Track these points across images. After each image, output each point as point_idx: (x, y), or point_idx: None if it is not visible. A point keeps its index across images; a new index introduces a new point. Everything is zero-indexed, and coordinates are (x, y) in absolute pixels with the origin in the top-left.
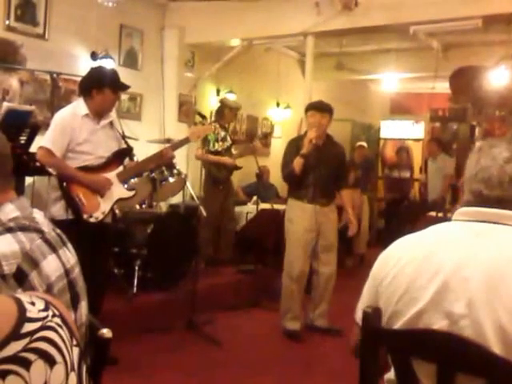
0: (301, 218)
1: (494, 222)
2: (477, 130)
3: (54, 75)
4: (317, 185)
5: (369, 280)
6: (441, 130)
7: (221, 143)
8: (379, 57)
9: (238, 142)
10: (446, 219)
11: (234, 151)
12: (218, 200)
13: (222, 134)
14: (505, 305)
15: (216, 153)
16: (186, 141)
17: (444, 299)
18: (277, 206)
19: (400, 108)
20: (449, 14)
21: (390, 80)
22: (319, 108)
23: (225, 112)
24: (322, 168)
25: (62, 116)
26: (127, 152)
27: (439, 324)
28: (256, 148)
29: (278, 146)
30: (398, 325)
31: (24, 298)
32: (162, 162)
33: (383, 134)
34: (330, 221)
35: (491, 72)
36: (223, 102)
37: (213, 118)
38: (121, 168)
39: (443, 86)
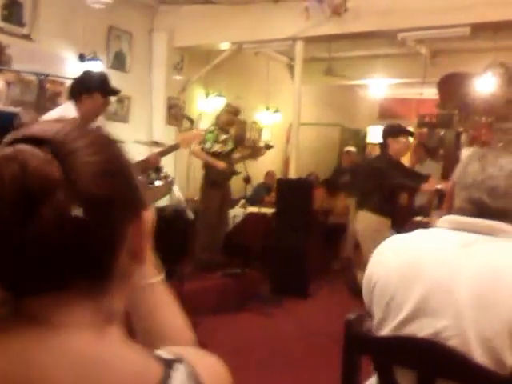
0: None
1: (483, 233)
2: (463, 137)
3: (41, 77)
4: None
5: (364, 282)
6: (428, 135)
7: (221, 145)
8: (368, 62)
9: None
10: (431, 224)
11: (234, 156)
12: (216, 202)
13: (223, 136)
14: (491, 318)
15: (214, 154)
16: (175, 147)
17: (429, 309)
18: (264, 210)
19: (388, 113)
20: (437, 22)
21: (379, 85)
22: (410, 133)
23: (221, 114)
24: None
25: (50, 118)
26: None
27: (423, 333)
28: (261, 152)
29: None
30: (385, 331)
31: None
32: (148, 168)
33: (371, 139)
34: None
35: (478, 79)
36: (226, 106)
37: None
38: None
39: (431, 92)
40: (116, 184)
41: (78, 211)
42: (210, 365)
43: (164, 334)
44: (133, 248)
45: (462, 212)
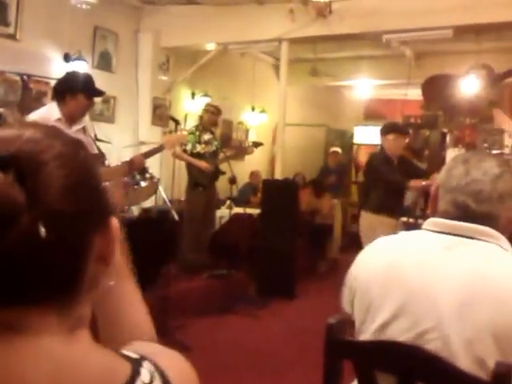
0: (382, 231)
1: (466, 236)
2: (448, 137)
3: (25, 77)
4: (398, 201)
5: (346, 283)
6: (413, 136)
7: (203, 145)
8: (353, 63)
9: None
10: (416, 225)
11: (220, 156)
12: (200, 203)
13: (206, 137)
14: (474, 321)
15: (198, 155)
16: (160, 149)
17: (410, 311)
18: (250, 211)
19: (373, 114)
20: (421, 24)
21: (364, 86)
22: (403, 131)
23: (203, 115)
24: (400, 185)
25: (33, 119)
26: (98, 158)
27: (405, 336)
28: (248, 151)
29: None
30: (366, 333)
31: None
32: (133, 169)
33: (357, 140)
34: None
35: (462, 80)
36: (205, 106)
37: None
38: None
39: (416, 93)
40: (84, 196)
41: (44, 232)
42: (173, 361)
43: (128, 331)
44: (101, 254)
45: (447, 215)
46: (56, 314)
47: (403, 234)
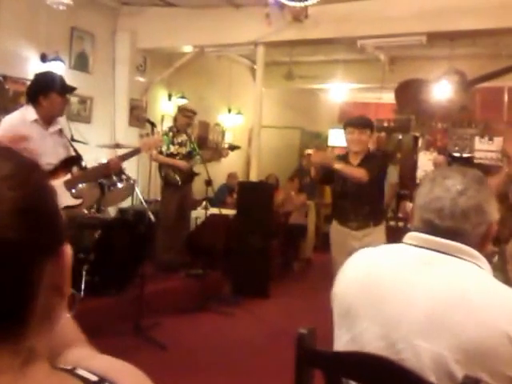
0: (334, 239)
1: (443, 252)
2: (420, 141)
3: (1, 78)
4: (350, 207)
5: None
6: (386, 139)
7: (177, 147)
8: (328, 67)
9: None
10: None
11: (195, 158)
12: (174, 203)
13: (180, 138)
14: (444, 337)
15: (171, 156)
16: (136, 151)
17: (384, 322)
18: (225, 212)
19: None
20: (395, 30)
21: (339, 90)
22: (358, 124)
23: (177, 116)
24: (356, 189)
25: (10, 121)
26: (75, 160)
27: (377, 345)
28: (223, 154)
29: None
30: (342, 341)
31: None
32: (110, 172)
33: (331, 142)
34: (364, 244)
35: (435, 85)
36: (178, 107)
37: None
38: (68, 176)
39: (390, 97)
40: (34, 222)
41: None
42: (132, 378)
43: (63, 341)
44: (54, 283)
45: (419, 230)
46: (6, 349)
47: (385, 246)
